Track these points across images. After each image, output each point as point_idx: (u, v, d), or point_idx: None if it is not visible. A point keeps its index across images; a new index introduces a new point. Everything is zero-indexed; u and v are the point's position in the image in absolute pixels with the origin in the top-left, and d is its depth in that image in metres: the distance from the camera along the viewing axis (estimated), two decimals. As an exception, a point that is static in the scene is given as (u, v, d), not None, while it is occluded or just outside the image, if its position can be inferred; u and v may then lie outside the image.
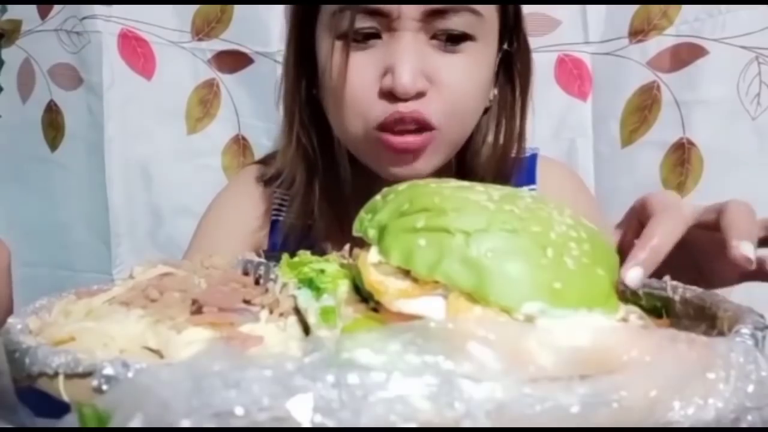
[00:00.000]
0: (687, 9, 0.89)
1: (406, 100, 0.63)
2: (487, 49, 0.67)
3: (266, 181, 0.79)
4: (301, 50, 0.70)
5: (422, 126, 0.64)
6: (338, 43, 0.65)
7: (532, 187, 0.80)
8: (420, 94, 0.63)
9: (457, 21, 0.63)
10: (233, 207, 0.82)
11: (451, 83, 0.64)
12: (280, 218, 0.79)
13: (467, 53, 0.65)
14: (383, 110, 0.64)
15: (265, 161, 0.84)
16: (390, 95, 0.63)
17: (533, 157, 0.81)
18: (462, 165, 0.73)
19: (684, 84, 0.89)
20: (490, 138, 0.73)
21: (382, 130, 0.64)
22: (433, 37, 0.64)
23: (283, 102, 0.75)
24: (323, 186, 0.73)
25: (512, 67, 0.72)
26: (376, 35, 0.64)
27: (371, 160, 0.68)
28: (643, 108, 0.92)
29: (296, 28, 0.71)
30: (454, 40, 0.64)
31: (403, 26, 0.63)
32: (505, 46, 0.71)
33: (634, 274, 0.41)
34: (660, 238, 0.43)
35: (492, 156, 0.73)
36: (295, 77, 0.72)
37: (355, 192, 0.70)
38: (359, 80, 0.64)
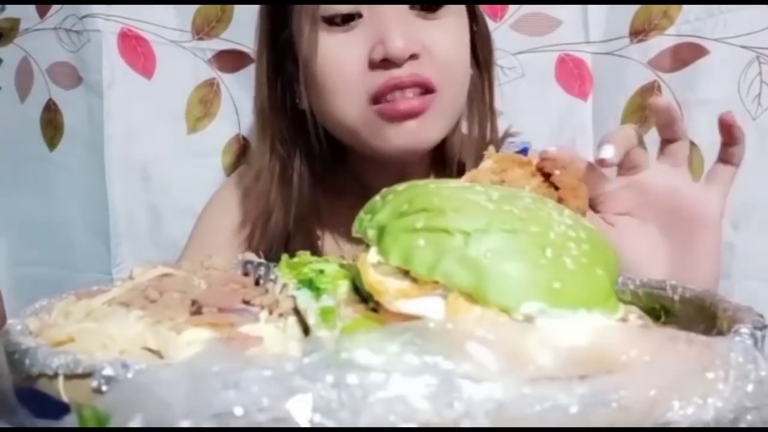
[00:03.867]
0: (688, 9, 0.89)
1: (400, 65, 0.63)
2: (462, 19, 0.69)
3: (249, 188, 0.78)
4: (275, 57, 0.71)
5: (422, 87, 0.64)
6: (318, 29, 0.65)
7: None
8: (414, 56, 0.64)
9: None
10: (222, 214, 0.81)
11: (441, 45, 0.66)
12: None
13: (447, 19, 0.67)
14: (377, 79, 0.64)
15: None
16: (382, 65, 0.63)
17: (524, 152, 0.81)
18: (440, 152, 0.73)
19: (685, 84, 0.89)
20: (464, 122, 0.74)
21: (380, 102, 0.64)
22: (412, 7, 0.65)
23: (256, 112, 0.74)
24: (304, 191, 0.72)
25: (476, 52, 0.73)
26: (357, 15, 0.64)
27: (372, 138, 0.67)
28: (644, 108, 0.92)
29: (267, 35, 0.71)
30: (433, 4, 0.65)
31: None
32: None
33: (606, 149, 0.51)
34: (629, 127, 0.53)
35: (469, 139, 0.74)
36: (270, 85, 0.72)
37: (344, 194, 0.70)
38: (347, 58, 0.64)
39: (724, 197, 0.55)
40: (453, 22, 0.67)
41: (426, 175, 0.74)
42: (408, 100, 0.64)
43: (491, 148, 0.52)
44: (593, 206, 0.56)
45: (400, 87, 0.64)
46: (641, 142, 0.54)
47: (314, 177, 0.73)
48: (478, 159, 0.70)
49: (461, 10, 0.69)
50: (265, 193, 0.74)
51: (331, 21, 0.65)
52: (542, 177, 0.49)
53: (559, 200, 0.48)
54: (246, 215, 0.78)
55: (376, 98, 0.64)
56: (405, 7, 0.65)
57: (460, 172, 0.70)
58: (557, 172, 0.48)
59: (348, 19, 0.65)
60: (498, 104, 0.79)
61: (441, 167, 0.73)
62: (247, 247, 0.77)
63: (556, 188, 0.48)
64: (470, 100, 0.73)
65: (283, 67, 0.71)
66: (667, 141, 0.55)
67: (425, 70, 0.64)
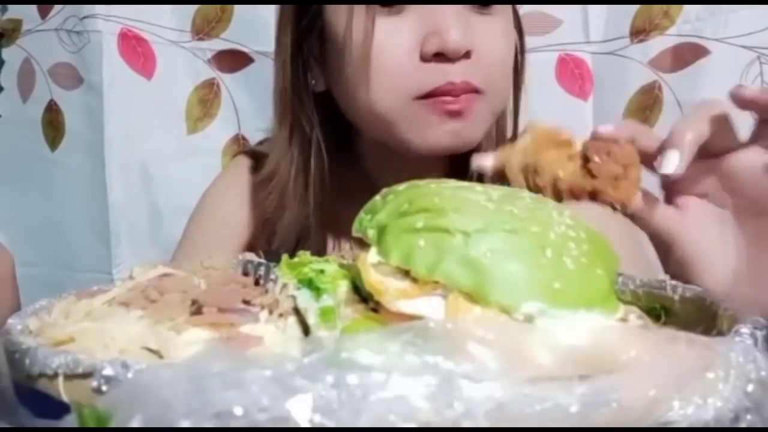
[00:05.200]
0: (688, 8, 0.89)
1: (454, 61, 0.60)
2: (510, 16, 0.67)
3: (260, 182, 0.75)
4: (299, 38, 0.67)
5: (472, 93, 0.62)
6: (361, 10, 0.61)
7: None
8: (468, 54, 0.61)
9: None
10: (221, 206, 0.79)
11: (491, 45, 0.63)
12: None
13: (499, 16, 0.64)
14: (430, 78, 0.61)
15: (255, 152, 0.80)
16: (435, 59, 0.60)
17: None
18: (461, 155, 0.67)
19: (685, 84, 0.89)
20: None
21: (428, 98, 0.61)
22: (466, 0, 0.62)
23: (277, 96, 0.71)
24: (319, 185, 0.69)
25: None
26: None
27: (410, 133, 0.63)
28: (645, 108, 0.92)
29: (293, 15, 0.67)
30: (486, 3, 0.63)
31: None
32: None
33: (670, 158, 0.43)
34: (702, 115, 0.45)
35: (487, 140, 0.70)
36: (294, 66, 0.68)
37: (354, 191, 0.68)
38: (396, 46, 0.61)
39: None
40: (504, 20, 0.65)
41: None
42: (459, 98, 0.61)
43: (532, 121, 0.46)
44: (666, 185, 0.48)
45: (452, 93, 0.61)
46: (725, 122, 0.46)
47: (330, 173, 0.70)
48: None
49: (509, 9, 0.67)
50: (282, 185, 0.71)
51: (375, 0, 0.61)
52: (582, 161, 0.43)
53: (594, 191, 0.43)
54: (252, 206, 0.76)
55: (429, 95, 0.61)
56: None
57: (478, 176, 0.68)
58: (596, 159, 0.42)
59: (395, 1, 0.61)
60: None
61: (459, 171, 0.67)
62: (252, 238, 0.75)
63: (594, 176, 0.43)
64: None
65: (304, 46, 0.68)
66: (763, 121, 0.46)
67: (475, 73, 0.61)
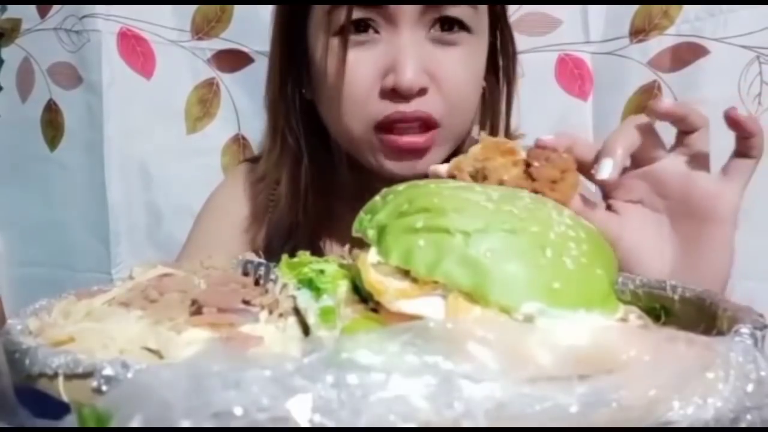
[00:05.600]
0: (688, 8, 0.89)
1: (408, 99, 0.63)
2: (481, 41, 0.68)
3: (256, 181, 0.79)
4: (288, 50, 0.70)
5: (425, 123, 0.64)
6: (335, 41, 0.64)
7: None
8: (422, 91, 0.63)
9: (454, 10, 0.64)
10: (224, 210, 0.82)
11: (451, 78, 0.65)
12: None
13: (463, 46, 0.65)
14: (384, 109, 0.64)
15: (257, 159, 0.83)
16: (392, 94, 0.63)
17: None
18: (448, 159, 0.72)
19: (685, 84, 0.89)
20: (476, 130, 0.73)
21: (383, 130, 0.65)
22: (431, 26, 0.64)
23: (268, 103, 0.74)
24: (310, 186, 0.72)
25: (496, 60, 0.72)
26: (374, 30, 0.64)
27: (371, 159, 0.67)
28: (644, 108, 0.92)
29: (282, 28, 0.70)
30: (451, 27, 0.65)
31: (402, 18, 0.63)
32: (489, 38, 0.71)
33: (605, 166, 0.49)
34: (631, 126, 0.51)
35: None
36: (282, 78, 0.71)
37: (345, 192, 0.70)
38: (359, 79, 0.64)
39: (740, 192, 0.52)
40: (470, 49, 0.66)
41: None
42: (410, 136, 0.64)
43: (483, 134, 0.51)
44: (605, 194, 0.55)
45: (403, 121, 0.64)
46: (651, 133, 0.52)
47: (320, 173, 0.73)
48: None
49: (483, 32, 0.68)
50: (274, 185, 0.74)
51: (343, 30, 0.63)
52: (525, 167, 0.48)
53: (534, 192, 0.47)
54: (252, 209, 0.78)
55: (380, 126, 0.64)
56: (422, 30, 0.64)
57: None
58: (536, 163, 0.47)
59: (360, 27, 0.63)
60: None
61: None
62: (253, 241, 0.77)
63: (534, 179, 0.47)
64: (484, 107, 0.72)
65: (294, 56, 0.70)
66: (683, 132, 0.53)
67: (431, 106, 0.64)
